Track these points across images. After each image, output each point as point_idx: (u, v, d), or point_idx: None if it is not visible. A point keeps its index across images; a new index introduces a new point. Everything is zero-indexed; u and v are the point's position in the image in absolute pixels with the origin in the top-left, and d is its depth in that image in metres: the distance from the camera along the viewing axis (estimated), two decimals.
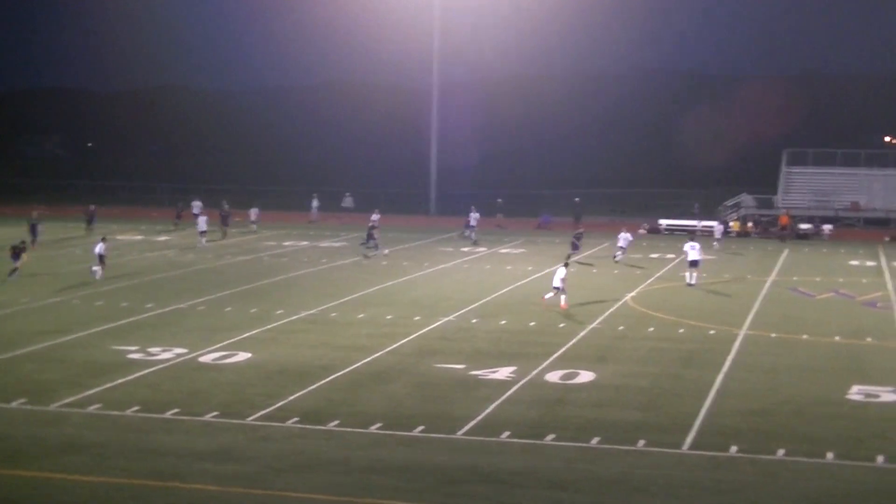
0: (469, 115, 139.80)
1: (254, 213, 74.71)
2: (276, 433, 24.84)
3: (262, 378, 30.10)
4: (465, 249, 62.01)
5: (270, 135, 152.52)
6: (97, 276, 48.17)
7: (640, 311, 42.16)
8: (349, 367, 31.43)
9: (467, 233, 68.49)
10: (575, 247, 57.10)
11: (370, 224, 64.20)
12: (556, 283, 41.95)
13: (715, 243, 65.55)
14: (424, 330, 37.59)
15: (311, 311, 41.11)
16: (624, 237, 57.46)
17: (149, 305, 41.93)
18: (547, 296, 42.42)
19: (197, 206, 76.64)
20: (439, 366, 31.88)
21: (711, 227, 74.33)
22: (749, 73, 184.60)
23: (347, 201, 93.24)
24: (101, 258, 48.86)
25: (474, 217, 69.04)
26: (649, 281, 50.58)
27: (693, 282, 48.97)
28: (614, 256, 57.51)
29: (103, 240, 50.17)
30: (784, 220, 75.96)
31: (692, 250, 49.23)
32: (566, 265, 43.30)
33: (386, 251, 59.06)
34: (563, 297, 42.12)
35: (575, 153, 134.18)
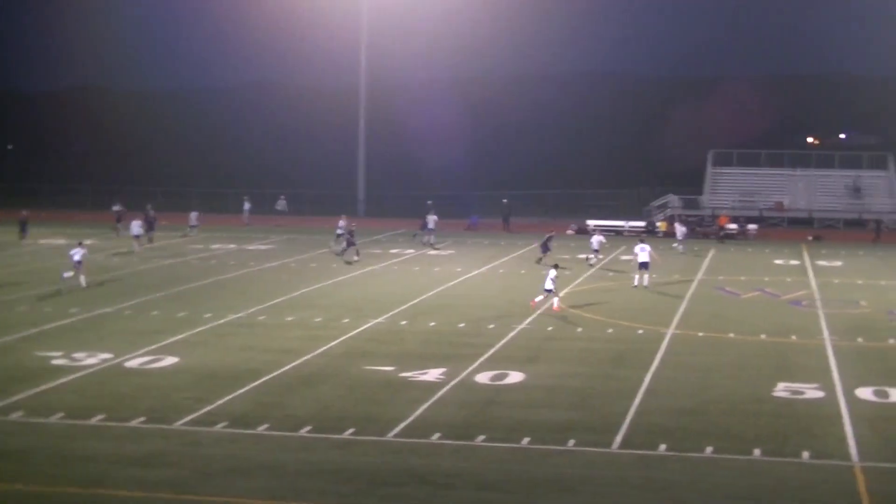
0: (398, 116, 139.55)
1: (194, 216, 73.70)
2: (204, 438, 24.63)
3: (190, 382, 29.84)
4: (394, 251, 61.91)
5: (197, 136, 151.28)
6: (81, 284, 46.82)
7: (568, 312, 42.29)
8: (278, 371, 31.25)
9: (426, 238, 67.25)
10: (546, 249, 56.74)
11: (339, 231, 62.28)
12: (548, 285, 41.85)
13: (678, 245, 65.28)
14: (354, 332, 37.46)
15: (240, 315, 40.83)
16: (597, 240, 57.22)
17: (73, 310, 41.39)
18: (537, 298, 42.38)
19: (117, 209, 75.45)
20: (369, 368, 31.79)
21: (639, 226, 75.02)
22: (674, 75, 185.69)
23: (281, 204, 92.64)
24: (79, 264, 47.33)
25: (432, 219, 68.24)
26: (578, 282, 50.77)
27: (645, 283, 48.78)
28: (588, 259, 56.97)
29: (80, 245, 48.78)
30: (723, 220, 76.30)
31: (642, 252, 49.06)
32: (556, 267, 43.34)
33: (357, 257, 57.75)
34: (555, 299, 42.16)
35: (504, 154, 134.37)
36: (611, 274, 54.17)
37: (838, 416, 27.02)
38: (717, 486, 21.86)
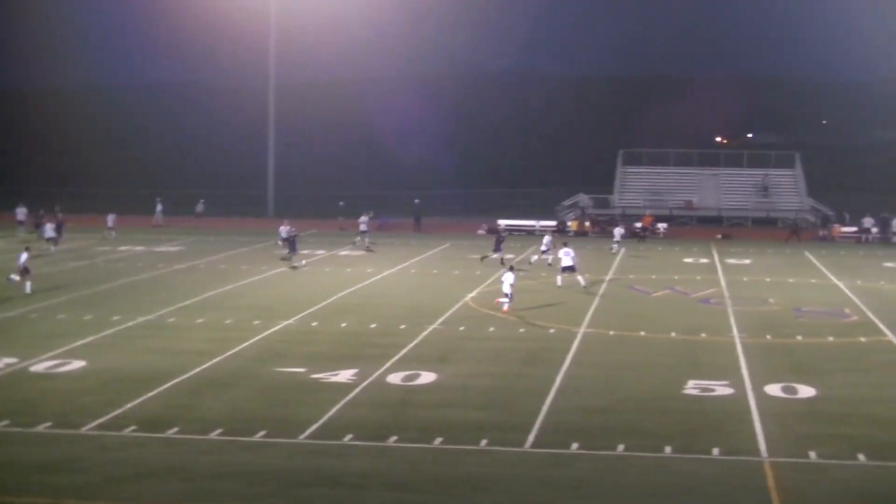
0: (309, 117, 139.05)
1: (111, 218, 72.29)
2: (113, 442, 24.28)
3: (99, 386, 29.40)
4: (305, 252, 61.52)
5: (104, 136, 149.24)
6: (26, 290, 45.65)
7: (480, 312, 42.34)
8: (188, 373, 30.90)
9: (359, 239, 66.73)
10: (498, 249, 56.42)
11: (283, 236, 60.22)
12: (506, 288, 41.77)
13: (615, 246, 65.36)
14: (265, 334, 37.17)
15: (149, 317, 40.35)
16: (548, 240, 57.03)
17: None
18: (502, 300, 42.18)
19: (21, 212, 73.99)
20: (280, 370, 31.56)
21: (549, 226, 75.31)
22: (585, 74, 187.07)
23: (200, 206, 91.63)
24: (26, 270, 46.21)
25: (364, 221, 67.60)
26: (489, 281, 50.80)
27: (583, 283, 48.73)
28: (546, 260, 56.23)
29: (27, 249, 47.77)
30: (647, 220, 76.67)
31: (566, 256, 48.88)
32: (512, 269, 43.22)
33: (304, 263, 56.88)
34: (507, 302, 41.95)
35: (415, 154, 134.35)
36: (522, 273, 54.24)
37: (748, 412, 27.29)
38: (628, 483, 22.01)
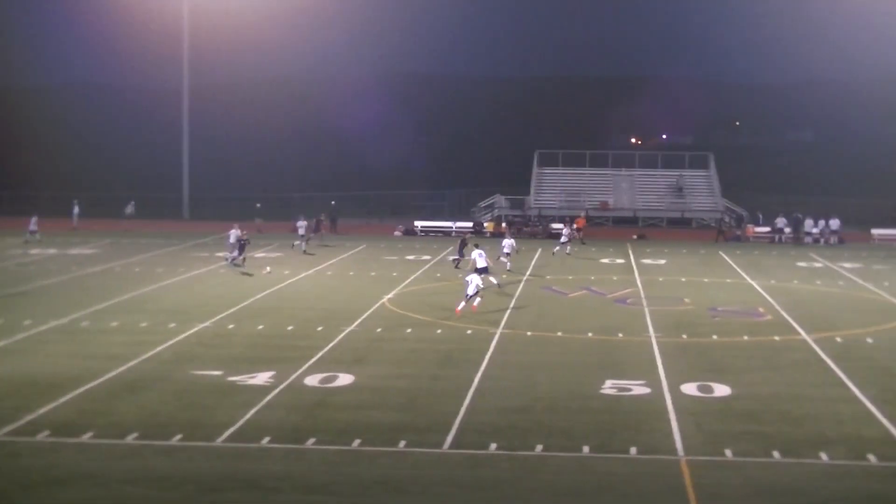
0: (224, 118, 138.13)
1: (33, 221, 70.87)
2: (25, 448, 23.86)
3: (10, 391, 28.87)
4: (221, 254, 61.02)
5: (23, 137, 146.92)
6: None
7: (397, 313, 42.27)
8: (103, 377, 30.48)
9: (298, 242, 65.94)
10: (461, 253, 56.02)
11: (231, 241, 58.70)
12: (471, 290, 41.62)
13: (560, 248, 65.33)
14: (180, 337, 36.79)
15: (62, 321, 39.76)
16: (508, 243, 56.78)
17: None
18: (476, 302, 42.01)
19: None
20: (196, 372, 31.25)
21: (466, 228, 75.47)
22: (501, 75, 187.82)
23: (129, 208, 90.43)
24: None
25: (302, 225, 67.11)
26: (406, 283, 50.79)
27: (495, 283, 49.02)
28: (504, 262, 56.04)
29: None
30: (581, 222, 76.63)
31: (479, 258, 48.90)
32: (477, 271, 43.00)
33: (268, 269, 55.32)
34: (462, 303, 41.77)
35: (330, 155, 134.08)
36: (438, 275, 54.33)
37: (664, 411, 27.49)
38: (546, 483, 22.06)
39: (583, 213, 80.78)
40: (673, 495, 21.43)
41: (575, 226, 71.76)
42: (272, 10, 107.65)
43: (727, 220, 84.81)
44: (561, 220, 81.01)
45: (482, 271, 47.91)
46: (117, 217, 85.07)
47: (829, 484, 22.39)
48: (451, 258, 57.57)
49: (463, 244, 56.77)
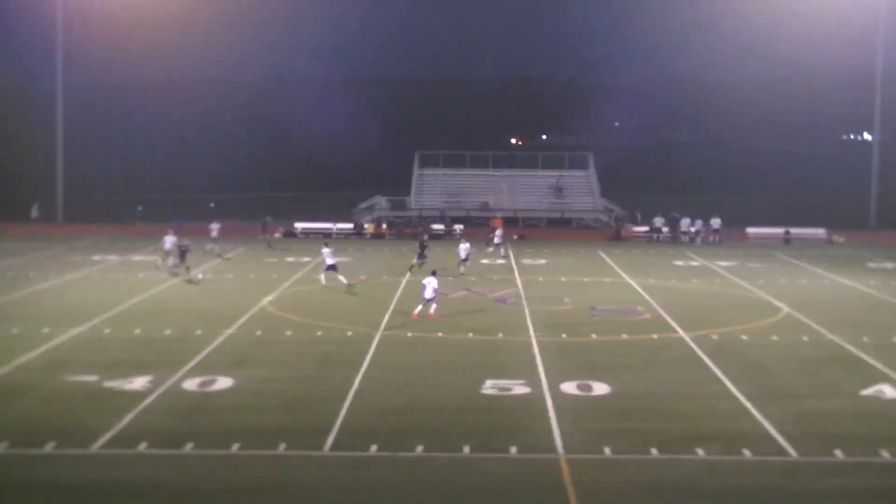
0: (100, 119, 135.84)
1: None
2: None
3: None
4: (96, 258, 60.00)
5: None
6: None
7: (277, 315, 41.93)
8: None
9: (209, 247, 63.92)
10: (421, 255, 55.25)
11: (168, 247, 55.87)
12: (429, 294, 41.25)
13: (496, 248, 64.89)
14: (54, 342, 36.03)
15: None
16: (464, 247, 56.16)
17: None
18: (432, 309, 41.56)
19: None
20: (71, 379, 30.61)
21: (347, 228, 75.21)
22: (381, 75, 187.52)
23: (34, 211, 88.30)
24: None
25: (216, 227, 65.85)
26: (286, 285, 50.42)
27: (338, 282, 49.26)
28: (460, 266, 55.71)
29: None
30: (497, 222, 76.28)
31: (329, 257, 49.57)
32: (434, 274, 42.54)
33: (199, 276, 53.83)
34: (420, 307, 41.48)
35: (210, 157, 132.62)
36: (318, 276, 54.01)
37: (544, 410, 27.62)
38: (427, 484, 22.07)
39: (498, 214, 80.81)
40: (552, 494, 21.54)
41: (492, 226, 71.92)
42: (137, 9, 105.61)
43: (622, 217, 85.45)
44: (442, 219, 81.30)
45: (330, 268, 48.49)
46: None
47: (706, 479, 22.69)
48: (414, 262, 56.83)
49: (423, 247, 56.18)
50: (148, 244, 67.58)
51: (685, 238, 77.28)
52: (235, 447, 24.04)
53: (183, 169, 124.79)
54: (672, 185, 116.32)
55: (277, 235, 76.06)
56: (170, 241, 55.78)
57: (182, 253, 53.63)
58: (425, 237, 59.74)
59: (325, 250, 50.49)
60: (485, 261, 62.31)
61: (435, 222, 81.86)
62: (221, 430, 25.44)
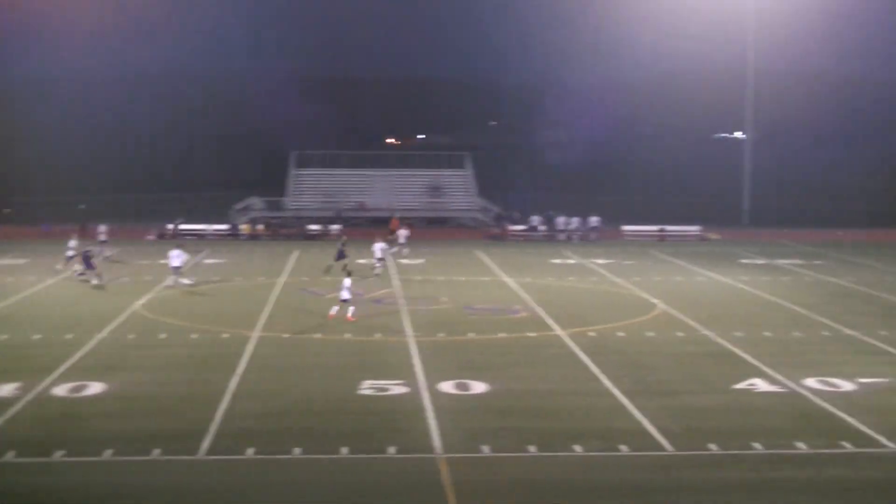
0: None
1: None
2: None
3: None
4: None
5: None
6: None
7: (150, 319, 41.24)
8: None
9: (98, 249, 61.95)
10: (342, 255, 54.18)
11: (71, 252, 53.98)
12: (345, 295, 40.59)
13: (401, 249, 64.20)
14: None
15: None
16: (379, 247, 55.22)
17: None
18: (350, 311, 40.82)
19: None
20: None
21: (222, 230, 74.52)
22: (256, 74, 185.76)
23: None
24: None
25: (104, 230, 64.04)
26: (159, 288, 49.62)
27: (181, 283, 49.55)
28: (374, 270, 54.70)
29: None
30: (395, 223, 75.69)
31: (175, 258, 49.47)
32: (349, 275, 41.76)
33: (96, 280, 50.63)
34: (337, 308, 40.87)
35: (80, 157, 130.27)
36: (193, 279, 53.30)
37: (422, 410, 27.57)
38: (305, 485, 21.93)
39: (396, 214, 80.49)
40: (431, 493, 21.48)
41: (390, 227, 71.55)
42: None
43: (507, 216, 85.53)
44: (318, 220, 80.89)
45: (175, 270, 49.46)
46: None
47: (583, 475, 22.80)
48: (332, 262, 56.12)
49: (343, 246, 55.36)
50: (15, 247, 66.17)
51: (562, 236, 77.85)
52: (108, 453, 23.56)
53: (50, 170, 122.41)
54: (549, 184, 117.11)
55: (151, 238, 74.95)
56: (74, 245, 54.10)
57: (86, 258, 51.54)
58: (344, 238, 59.09)
59: (174, 252, 49.85)
60: (361, 261, 61.97)
61: (311, 223, 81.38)
62: (93, 436, 24.92)
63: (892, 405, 28.89)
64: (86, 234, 73.12)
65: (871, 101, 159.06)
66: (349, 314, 40.92)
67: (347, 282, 41.39)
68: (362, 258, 58.47)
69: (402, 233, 66.87)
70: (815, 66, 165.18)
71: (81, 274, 51.71)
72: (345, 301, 41.03)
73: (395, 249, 64.15)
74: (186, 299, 46.49)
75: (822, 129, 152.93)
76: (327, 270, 54.27)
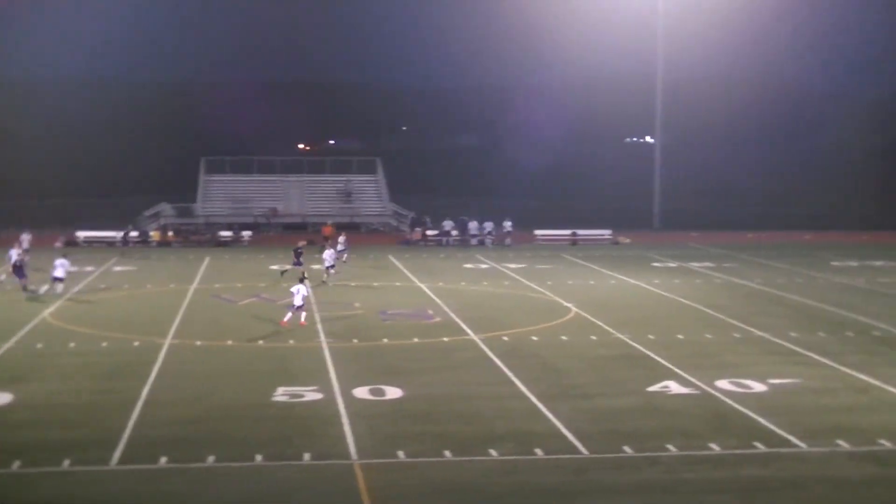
0: None
1: None
2: None
3: None
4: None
5: None
6: None
7: (59, 327, 40.62)
8: None
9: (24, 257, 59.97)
10: (298, 262, 53.30)
11: (15, 260, 50.99)
12: (298, 301, 40.09)
13: (342, 254, 63.43)
14: None
15: None
16: (329, 254, 54.39)
17: None
18: (303, 317, 40.53)
19: None
20: None
21: (134, 236, 73.57)
22: (163, 79, 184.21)
23: None
24: None
25: (26, 238, 62.50)
26: (68, 296, 48.88)
27: (56, 292, 48.44)
28: (324, 274, 54.31)
29: None
30: (328, 230, 74.90)
31: (60, 268, 48.66)
32: (303, 281, 41.08)
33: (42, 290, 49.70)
34: (290, 315, 40.47)
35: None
36: (102, 286, 52.65)
37: (337, 416, 27.44)
38: (218, 494, 21.68)
39: (329, 221, 79.99)
40: (347, 499, 21.37)
41: (323, 234, 71.03)
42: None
43: (426, 221, 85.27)
44: (229, 226, 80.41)
45: (57, 280, 48.47)
46: None
47: (499, 479, 22.78)
48: (283, 268, 55.45)
49: (298, 254, 54.61)
50: None
51: (474, 241, 78.00)
52: (16, 465, 23.11)
53: None
54: (461, 189, 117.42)
55: (58, 245, 73.82)
56: (15, 254, 51.18)
57: (18, 268, 50.01)
58: (302, 243, 58.49)
59: (60, 261, 48.99)
60: (274, 266, 61.62)
61: (223, 229, 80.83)
62: (0, 448, 24.40)
63: (803, 405, 29.26)
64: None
65: (781, 105, 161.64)
66: (302, 319, 40.82)
67: (303, 288, 41.04)
68: (275, 263, 58.06)
69: (341, 239, 66.38)
70: (723, 70, 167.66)
71: (24, 285, 49.74)
72: (299, 307, 40.77)
73: (346, 258, 63.45)
74: (97, 307, 45.88)
75: (731, 132, 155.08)
76: (282, 274, 54.00)
